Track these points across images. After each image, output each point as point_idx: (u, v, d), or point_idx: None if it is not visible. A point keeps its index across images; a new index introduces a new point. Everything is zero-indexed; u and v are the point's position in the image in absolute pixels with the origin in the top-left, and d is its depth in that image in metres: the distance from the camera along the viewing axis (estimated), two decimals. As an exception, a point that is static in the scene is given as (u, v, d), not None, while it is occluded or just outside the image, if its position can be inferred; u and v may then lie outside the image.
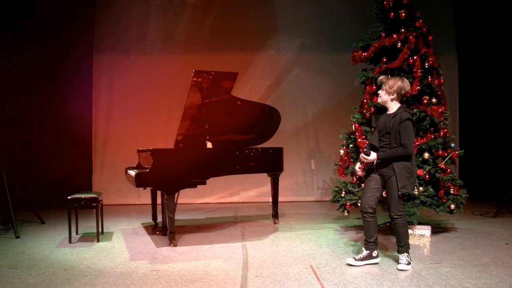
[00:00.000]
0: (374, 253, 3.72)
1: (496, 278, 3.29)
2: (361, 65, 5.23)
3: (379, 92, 3.70)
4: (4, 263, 3.80)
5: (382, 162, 3.57)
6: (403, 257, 3.61)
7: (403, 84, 3.58)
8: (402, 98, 3.65)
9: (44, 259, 3.96)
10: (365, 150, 3.61)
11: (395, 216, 3.58)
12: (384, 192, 3.74)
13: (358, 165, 3.91)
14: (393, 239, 4.60)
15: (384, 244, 4.41)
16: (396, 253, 3.74)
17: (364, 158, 3.61)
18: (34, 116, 7.17)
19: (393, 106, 3.64)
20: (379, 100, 3.73)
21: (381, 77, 3.72)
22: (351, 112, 5.12)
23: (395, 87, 3.57)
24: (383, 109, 3.85)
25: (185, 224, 5.60)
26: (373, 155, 3.57)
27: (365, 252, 3.71)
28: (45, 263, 3.83)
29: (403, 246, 3.62)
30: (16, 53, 6.03)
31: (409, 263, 3.59)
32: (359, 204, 4.64)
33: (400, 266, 3.57)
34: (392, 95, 3.60)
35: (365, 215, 3.68)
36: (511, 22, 7.03)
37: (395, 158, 3.50)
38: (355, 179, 4.96)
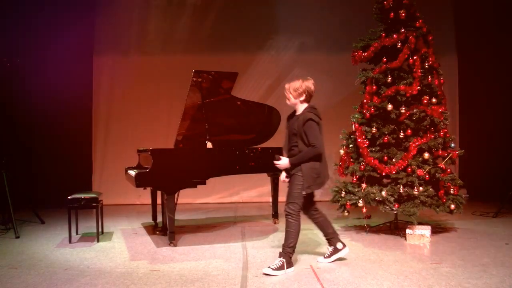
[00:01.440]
0: (339, 245, 3.73)
1: (496, 278, 3.29)
2: (361, 65, 5.22)
3: (287, 95, 3.65)
4: (4, 263, 3.80)
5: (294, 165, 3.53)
6: (277, 261, 3.47)
7: (308, 84, 3.59)
8: (310, 98, 3.65)
9: (44, 259, 3.96)
10: (276, 156, 3.62)
11: (286, 213, 3.50)
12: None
13: (283, 174, 3.75)
14: (394, 239, 4.61)
15: (384, 244, 4.41)
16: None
17: (275, 164, 3.59)
18: (34, 116, 7.16)
19: (301, 108, 3.64)
20: (288, 103, 3.69)
21: (286, 85, 3.67)
22: (351, 112, 5.11)
23: (301, 89, 3.57)
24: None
25: (185, 224, 5.60)
26: (285, 160, 3.56)
27: (330, 248, 3.75)
28: (45, 263, 3.83)
29: (285, 248, 3.50)
30: (16, 53, 6.02)
31: (279, 269, 3.42)
32: (359, 204, 4.67)
33: (265, 270, 3.44)
34: (301, 96, 3.60)
35: (298, 216, 3.53)
36: (511, 22, 7.03)
37: (306, 160, 3.46)
38: (355, 179, 4.96)
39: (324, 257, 3.73)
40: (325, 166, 3.60)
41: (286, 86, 3.65)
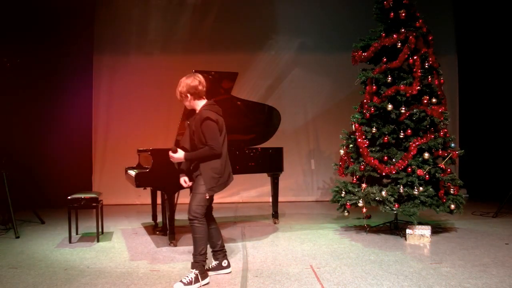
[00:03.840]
0: (224, 263, 3.48)
1: (496, 278, 3.29)
2: (361, 65, 5.23)
3: (183, 101, 3.37)
4: (4, 263, 3.80)
5: (194, 164, 3.33)
6: (190, 274, 3.19)
7: (190, 81, 3.29)
8: (202, 93, 3.34)
9: (44, 259, 3.96)
10: (172, 148, 3.36)
11: (191, 217, 3.23)
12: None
13: (183, 178, 3.51)
14: (394, 239, 4.61)
15: (384, 244, 4.41)
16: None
17: (170, 156, 3.33)
18: (33, 116, 7.16)
19: (199, 105, 3.36)
20: (189, 107, 3.42)
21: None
22: (351, 112, 5.11)
23: (185, 89, 3.28)
24: None
25: (185, 224, 5.55)
26: (180, 153, 3.30)
27: (214, 263, 3.49)
28: (45, 263, 3.83)
29: (196, 256, 3.23)
30: (16, 53, 6.02)
31: (192, 283, 3.14)
32: (359, 204, 4.67)
33: (176, 285, 3.13)
34: (192, 96, 3.30)
35: (204, 220, 3.29)
36: (511, 22, 7.03)
37: (202, 158, 3.24)
38: (355, 179, 4.96)
39: (208, 268, 3.42)
40: (227, 166, 3.39)
41: (177, 92, 3.34)
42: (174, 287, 3.16)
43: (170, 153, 3.34)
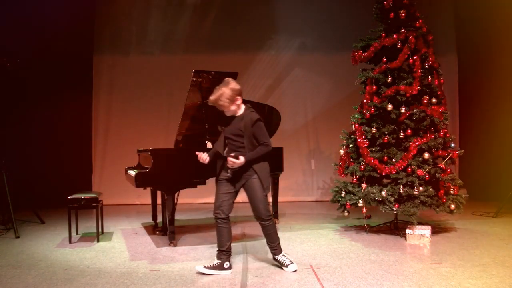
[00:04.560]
0: (226, 264, 3.50)
1: (496, 278, 3.29)
2: (361, 65, 5.22)
3: (222, 107, 3.42)
4: (4, 263, 3.80)
5: (242, 166, 3.38)
6: (283, 257, 3.57)
7: (234, 85, 3.42)
8: (241, 95, 3.48)
9: (44, 259, 3.96)
10: (232, 154, 3.38)
11: (266, 218, 3.48)
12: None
13: (205, 155, 3.55)
14: (394, 239, 4.61)
15: (384, 244, 4.41)
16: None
17: (232, 163, 3.34)
18: (33, 116, 7.16)
19: (240, 110, 3.50)
20: (229, 114, 3.48)
21: (210, 99, 3.46)
22: (351, 112, 5.11)
23: (230, 95, 3.38)
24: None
25: (185, 224, 5.60)
26: (241, 159, 3.34)
27: (216, 261, 3.50)
28: (45, 263, 3.83)
29: (276, 246, 3.58)
30: (16, 53, 6.02)
31: (291, 261, 3.55)
32: (359, 204, 4.67)
33: (290, 268, 3.51)
34: (237, 101, 3.43)
35: (219, 221, 3.49)
36: (511, 22, 7.03)
37: (261, 156, 3.43)
38: (355, 179, 4.96)
39: (206, 267, 3.47)
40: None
41: (212, 99, 3.43)
42: (290, 270, 3.48)
43: (231, 159, 3.36)
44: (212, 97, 3.44)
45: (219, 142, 3.60)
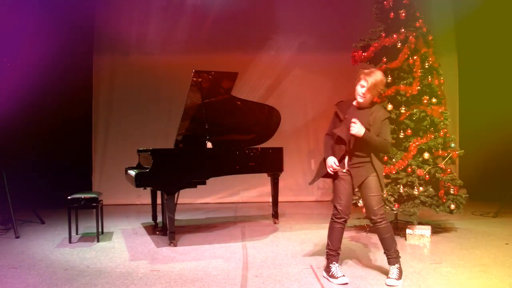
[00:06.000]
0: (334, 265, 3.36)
1: (496, 278, 3.29)
2: (361, 65, 5.21)
3: (361, 90, 3.18)
4: (4, 263, 3.80)
5: (360, 163, 3.24)
6: (394, 270, 3.22)
7: (384, 78, 3.23)
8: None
9: (44, 259, 3.96)
10: (353, 119, 3.13)
11: (379, 219, 3.21)
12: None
13: (333, 160, 3.35)
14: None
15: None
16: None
17: (352, 123, 3.10)
18: (33, 116, 7.15)
19: (369, 102, 3.28)
20: (362, 100, 3.20)
21: (370, 79, 3.14)
22: (351, 112, 5.10)
23: (380, 85, 3.19)
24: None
25: (185, 224, 5.60)
26: (362, 128, 3.11)
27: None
28: (45, 263, 3.83)
29: (393, 254, 3.23)
30: (16, 53, 6.02)
31: (400, 277, 3.20)
32: (359, 204, 4.67)
33: (389, 281, 3.18)
34: (378, 93, 3.31)
35: (341, 221, 3.35)
36: (511, 22, 7.03)
37: (378, 146, 3.19)
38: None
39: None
40: None
41: (371, 80, 3.12)
42: (388, 283, 3.18)
43: (354, 121, 3.11)
44: (372, 78, 3.13)
45: (343, 128, 3.25)
